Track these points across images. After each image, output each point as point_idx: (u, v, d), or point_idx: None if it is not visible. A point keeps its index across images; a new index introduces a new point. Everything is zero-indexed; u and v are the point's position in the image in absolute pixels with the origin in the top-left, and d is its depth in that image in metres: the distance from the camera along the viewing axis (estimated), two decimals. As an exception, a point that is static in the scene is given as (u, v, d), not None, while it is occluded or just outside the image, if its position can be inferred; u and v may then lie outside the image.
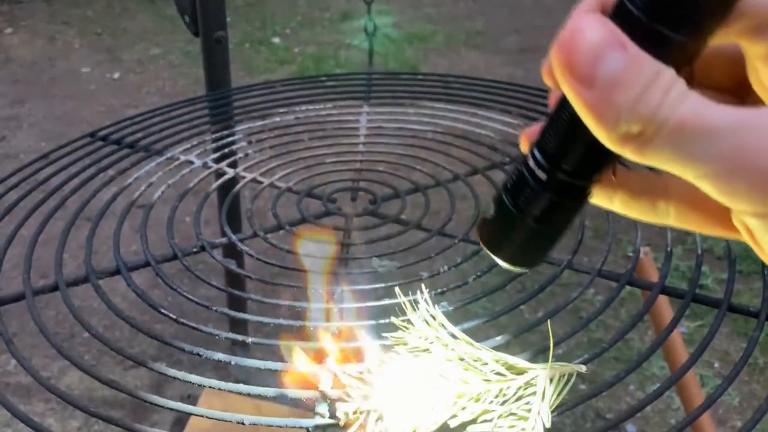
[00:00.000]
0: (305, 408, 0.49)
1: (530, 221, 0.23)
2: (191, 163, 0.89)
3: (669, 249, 0.67)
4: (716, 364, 1.58)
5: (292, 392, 0.46)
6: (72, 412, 1.47)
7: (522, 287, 1.64)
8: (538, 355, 0.49)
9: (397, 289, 0.45)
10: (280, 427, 0.43)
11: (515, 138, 0.93)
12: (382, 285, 0.64)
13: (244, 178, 0.90)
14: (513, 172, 0.23)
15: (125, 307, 1.56)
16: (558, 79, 0.18)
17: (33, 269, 0.67)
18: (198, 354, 0.52)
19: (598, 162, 0.21)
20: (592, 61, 0.17)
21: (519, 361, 0.36)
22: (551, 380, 0.34)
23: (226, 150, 0.94)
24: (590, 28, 0.18)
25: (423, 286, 0.41)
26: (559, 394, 0.34)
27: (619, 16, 0.18)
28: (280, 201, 0.85)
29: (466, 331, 0.39)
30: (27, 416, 0.45)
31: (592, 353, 0.51)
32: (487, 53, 3.52)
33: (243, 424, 0.42)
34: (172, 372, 0.49)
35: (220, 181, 0.91)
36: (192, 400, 1.46)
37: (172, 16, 3.61)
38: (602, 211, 0.26)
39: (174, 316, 0.58)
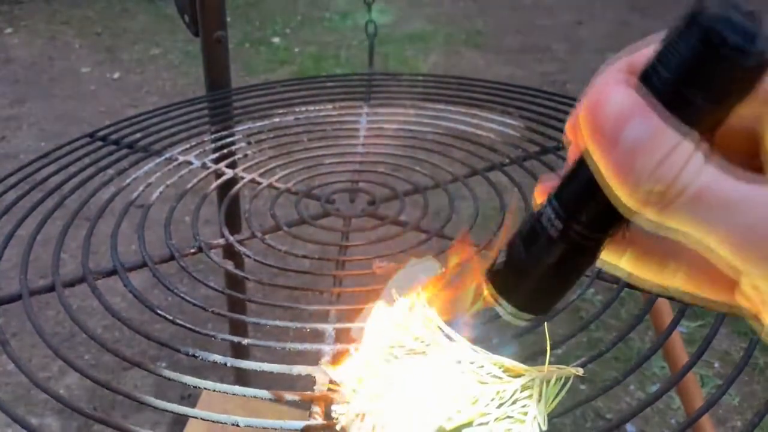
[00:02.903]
0: (303, 409, 0.49)
1: (541, 272, 0.23)
2: (190, 163, 0.89)
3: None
4: (716, 364, 1.58)
5: (289, 394, 0.46)
6: (72, 412, 1.47)
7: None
8: (537, 357, 0.49)
9: (393, 290, 0.45)
10: (275, 429, 0.43)
11: (515, 139, 0.93)
12: (380, 286, 0.64)
13: (243, 178, 0.89)
14: (528, 221, 0.24)
15: (125, 306, 1.56)
16: (584, 137, 0.19)
17: (33, 269, 0.67)
18: (194, 355, 0.52)
19: (614, 218, 0.21)
20: (617, 124, 0.18)
21: (516, 364, 0.35)
22: (548, 383, 0.34)
23: (225, 150, 0.94)
24: (616, 93, 0.18)
25: (420, 287, 0.41)
26: (556, 397, 0.34)
27: (648, 79, 0.18)
28: (279, 201, 0.84)
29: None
30: (23, 418, 0.45)
31: (591, 356, 0.51)
32: (487, 53, 3.51)
33: (237, 425, 0.42)
34: (167, 373, 0.49)
35: (219, 181, 0.91)
36: (192, 399, 1.46)
37: (172, 16, 3.61)
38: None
39: (170, 317, 0.58)
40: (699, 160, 0.18)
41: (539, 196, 0.24)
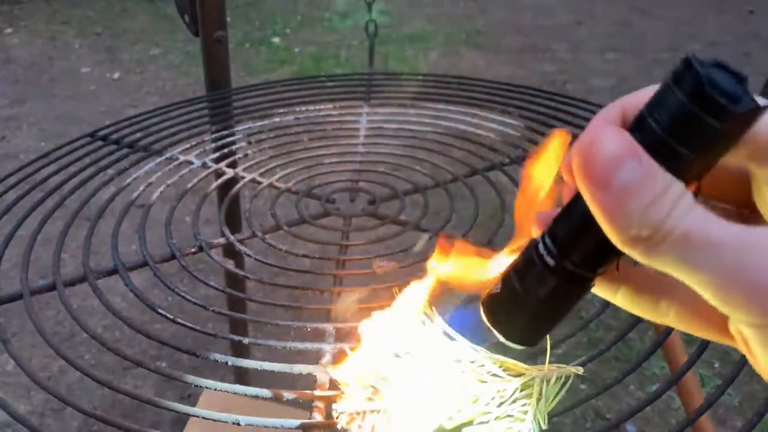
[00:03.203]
0: (304, 408, 0.49)
1: (534, 302, 0.24)
2: (191, 163, 0.89)
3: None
4: (716, 364, 1.58)
5: (289, 393, 0.46)
6: (72, 412, 1.47)
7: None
8: (537, 356, 0.49)
9: (395, 289, 0.45)
10: (275, 428, 0.43)
11: (515, 138, 0.93)
12: (381, 286, 0.64)
13: (243, 178, 0.90)
14: (523, 254, 0.25)
15: (125, 306, 1.56)
16: (576, 180, 0.20)
17: (34, 269, 0.67)
18: (195, 354, 0.52)
19: (604, 257, 0.22)
20: (609, 168, 0.19)
21: (516, 363, 0.35)
22: (548, 382, 0.34)
23: (226, 150, 0.94)
24: (609, 138, 0.19)
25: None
26: (556, 396, 0.34)
27: (639, 128, 0.20)
28: (279, 201, 0.85)
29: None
30: (23, 418, 0.45)
31: (591, 355, 0.51)
32: (487, 53, 3.51)
33: (238, 424, 0.42)
34: (169, 372, 0.49)
35: (220, 181, 0.91)
36: (192, 398, 1.46)
37: (171, 16, 3.62)
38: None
39: (171, 316, 0.58)
40: (686, 204, 0.19)
41: (535, 230, 0.24)
